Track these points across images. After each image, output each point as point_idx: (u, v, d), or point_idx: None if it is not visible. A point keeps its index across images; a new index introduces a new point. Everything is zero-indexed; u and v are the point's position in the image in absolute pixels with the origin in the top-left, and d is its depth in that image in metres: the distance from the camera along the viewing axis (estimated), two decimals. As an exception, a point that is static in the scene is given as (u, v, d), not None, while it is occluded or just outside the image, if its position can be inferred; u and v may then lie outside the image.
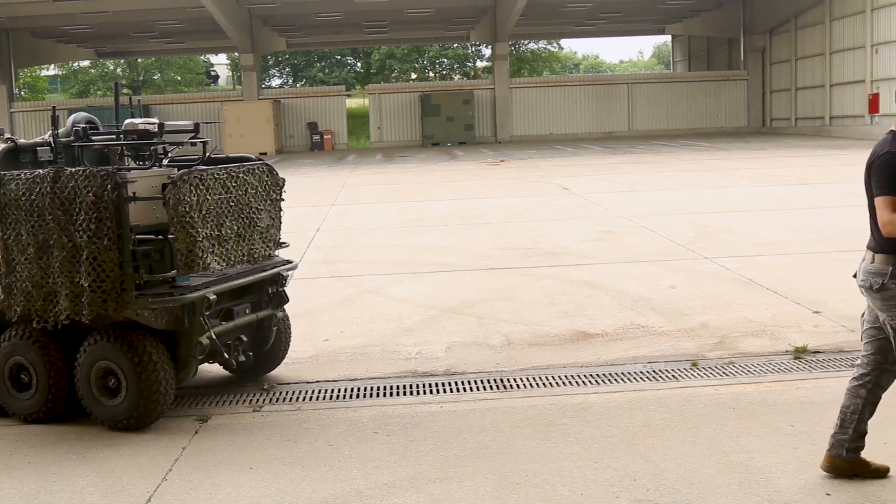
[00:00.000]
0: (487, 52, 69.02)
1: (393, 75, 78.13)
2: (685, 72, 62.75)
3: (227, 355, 6.67)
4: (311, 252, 13.45)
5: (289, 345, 7.59)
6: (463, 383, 7.03)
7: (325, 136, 48.69)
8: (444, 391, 6.88)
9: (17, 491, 5.40)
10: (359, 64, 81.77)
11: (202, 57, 79.37)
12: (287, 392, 7.03)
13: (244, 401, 6.85)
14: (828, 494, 4.76)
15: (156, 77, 77.33)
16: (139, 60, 73.10)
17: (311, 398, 6.86)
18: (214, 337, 6.46)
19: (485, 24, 51.27)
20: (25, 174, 6.32)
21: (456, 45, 76.47)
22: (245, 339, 6.89)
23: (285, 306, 7.33)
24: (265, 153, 44.58)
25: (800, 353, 7.45)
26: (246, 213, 6.75)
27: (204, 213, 6.28)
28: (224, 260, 6.50)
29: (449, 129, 48.43)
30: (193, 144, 7.21)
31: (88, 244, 6.08)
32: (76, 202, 6.10)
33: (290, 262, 7.38)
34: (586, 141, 47.10)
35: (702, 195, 19.37)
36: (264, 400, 6.85)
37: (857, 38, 41.04)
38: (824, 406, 6.10)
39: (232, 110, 46.29)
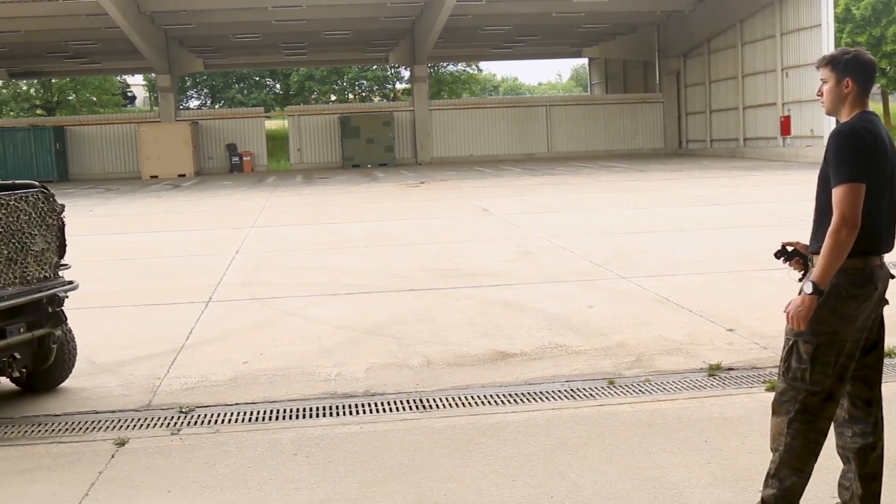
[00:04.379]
0: (407, 73, 69.29)
1: (312, 97, 77.98)
2: (602, 94, 63.72)
3: None
4: (230, 275, 13.34)
5: (74, 361, 7.91)
6: (382, 404, 7.04)
7: (244, 158, 48.36)
8: (364, 412, 6.88)
9: (-74, 520, 5.29)
10: (277, 85, 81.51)
11: (118, 78, 78.28)
12: (206, 415, 6.96)
13: (162, 423, 6.78)
14: (739, 507, 4.87)
15: (70, 98, 76.02)
16: (53, 81, 71.76)
17: (230, 420, 6.81)
18: None
19: (403, 46, 51.47)
20: None
21: (375, 66, 76.61)
22: (19, 356, 7.09)
23: (66, 324, 7.69)
24: (183, 175, 44.15)
25: (714, 370, 7.60)
26: (18, 237, 7.09)
27: None
28: None
29: (369, 150, 48.45)
30: None
31: None
32: None
33: (71, 283, 7.62)
34: (506, 162, 47.49)
35: (619, 215, 19.67)
36: (183, 422, 6.79)
37: (767, 62, 42.09)
38: (737, 422, 6.25)
39: (149, 132, 45.75)
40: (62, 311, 7.56)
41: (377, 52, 58.39)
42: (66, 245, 7.69)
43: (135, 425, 6.79)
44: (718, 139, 47.75)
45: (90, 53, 52.90)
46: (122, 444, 6.34)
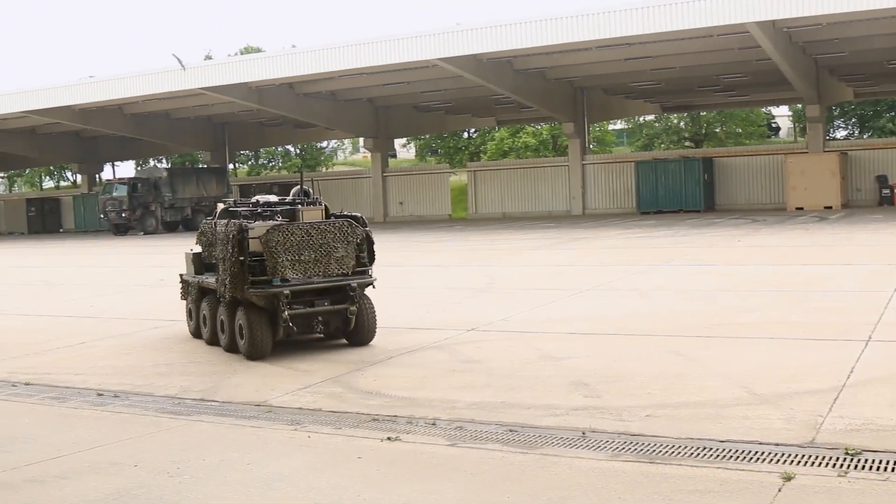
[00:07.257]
0: None
1: (972, 124, 71.93)
2: None
3: (291, 324, 11.24)
4: (890, 313, 12.66)
5: (373, 330, 11.99)
6: None
7: (894, 191, 45.95)
8: None
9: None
10: (931, 113, 76.33)
11: (763, 109, 78.75)
12: (874, 459, 6.64)
13: (828, 463, 6.61)
14: None
15: (717, 130, 78.02)
16: (702, 114, 74.20)
17: (901, 470, 6.46)
18: (287, 315, 11.16)
19: None
20: (223, 222, 11.80)
21: None
22: (321, 319, 11.60)
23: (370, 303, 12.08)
24: (830, 207, 43.14)
25: None
26: (324, 248, 11.31)
27: (287, 246, 11.09)
28: (302, 273, 11.24)
29: None
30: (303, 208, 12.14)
31: (230, 259, 11.26)
32: (230, 237, 11.25)
33: (371, 278, 11.95)
34: None
35: None
36: (849, 465, 6.56)
37: None
38: None
39: (796, 163, 45.34)
40: (355, 294, 11.53)
41: None
42: (374, 254, 11.97)
43: (799, 461, 6.71)
44: None
45: (739, 86, 53.77)
46: (788, 478, 6.29)
